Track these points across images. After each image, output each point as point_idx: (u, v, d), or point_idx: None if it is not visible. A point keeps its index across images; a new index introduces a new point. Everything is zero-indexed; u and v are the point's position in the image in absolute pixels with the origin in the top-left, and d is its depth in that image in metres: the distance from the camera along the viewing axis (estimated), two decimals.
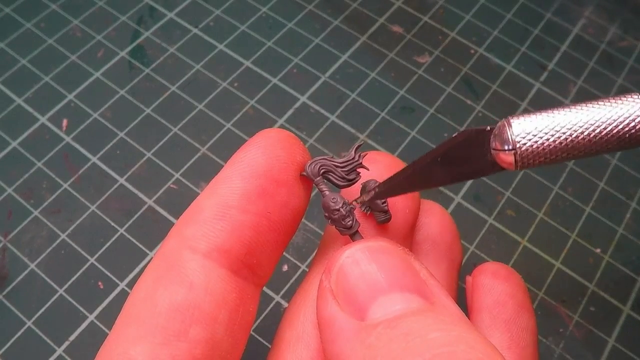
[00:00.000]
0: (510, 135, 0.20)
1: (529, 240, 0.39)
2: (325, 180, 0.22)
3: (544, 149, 0.20)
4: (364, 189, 0.23)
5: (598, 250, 0.38)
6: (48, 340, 0.34)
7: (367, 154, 0.23)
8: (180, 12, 0.47)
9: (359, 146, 0.22)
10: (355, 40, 0.46)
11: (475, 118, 0.43)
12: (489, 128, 0.20)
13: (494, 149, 0.20)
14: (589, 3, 0.49)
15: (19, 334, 0.34)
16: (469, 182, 0.40)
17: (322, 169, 0.22)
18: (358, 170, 0.22)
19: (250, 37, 0.46)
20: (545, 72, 0.45)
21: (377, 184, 0.22)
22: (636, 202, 0.40)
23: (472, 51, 0.46)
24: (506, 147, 0.20)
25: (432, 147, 0.41)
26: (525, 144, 0.20)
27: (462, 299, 0.27)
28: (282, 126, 0.42)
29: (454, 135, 0.21)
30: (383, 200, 0.22)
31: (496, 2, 0.49)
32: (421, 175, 0.21)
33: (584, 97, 0.44)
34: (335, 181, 0.22)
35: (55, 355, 0.34)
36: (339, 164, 0.22)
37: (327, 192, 0.22)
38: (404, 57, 0.46)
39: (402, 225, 0.24)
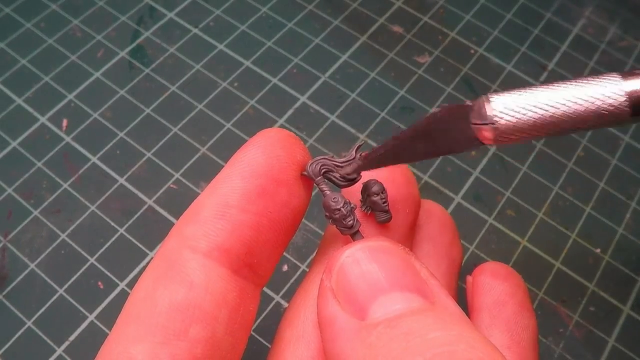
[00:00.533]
0: (489, 110, 0.20)
1: (529, 240, 0.39)
2: (326, 180, 0.22)
3: (522, 124, 0.20)
4: (364, 189, 0.23)
5: (598, 250, 0.38)
6: (48, 340, 0.34)
7: (367, 153, 0.23)
8: (180, 12, 0.47)
9: (359, 146, 0.22)
10: (355, 40, 0.46)
11: None
12: (469, 103, 0.21)
13: (473, 124, 0.21)
14: (589, 3, 0.49)
15: (19, 334, 0.34)
16: (469, 182, 0.40)
17: (323, 168, 0.22)
18: None
19: (250, 37, 0.46)
20: (545, 72, 0.45)
21: (378, 184, 0.22)
22: (636, 202, 0.40)
23: (472, 51, 0.46)
24: (485, 122, 0.20)
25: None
26: (503, 118, 0.20)
27: (463, 299, 0.27)
28: (282, 126, 0.42)
29: (434, 110, 0.21)
30: (384, 200, 0.22)
31: (496, 2, 0.49)
32: (404, 149, 0.21)
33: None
34: (336, 181, 0.22)
35: (55, 355, 0.34)
36: (339, 164, 0.22)
37: (328, 192, 0.22)
38: (404, 57, 0.46)
39: (402, 225, 0.24)
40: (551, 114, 0.20)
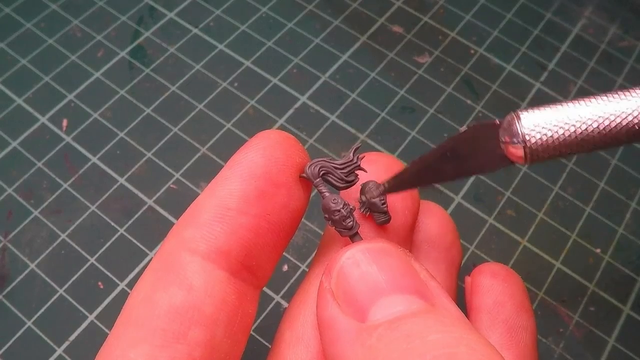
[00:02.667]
0: (520, 128, 0.20)
1: (529, 240, 0.39)
2: (324, 182, 0.22)
3: (553, 142, 0.20)
4: (363, 190, 0.23)
5: (598, 250, 0.38)
6: (48, 340, 0.34)
7: (365, 155, 0.23)
8: (180, 12, 0.47)
9: (357, 148, 0.22)
10: (355, 40, 0.46)
11: (475, 118, 0.43)
12: (497, 122, 0.20)
13: (503, 143, 0.20)
14: (589, 3, 0.49)
15: (19, 334, 0.34)
16: (469, 182, 0.40)
17: (322, 170, 0.22)
18: (356, 172, 0.22)
19: (250, 37, 0.46)
20: (545, 72, 0.45)
21: (376, 185, 0.22)
22: (636, 202, 0.40)
23: (472, 51, 0.46)
24: (515, 141, 0.20)
25: (433, 147, 0.41)
26: (534, 137, 0.20)
27: (462, 299, 0.27)
28: (282, 126, 0.42)
29: (462, 130, 0.20)
30: (383, 201, 0.22)
31: (496, 2, 0.49)
32: (430, 170, 0.21)
33: (585, 96, 0.44)
34: (335, 183, 0.22)
35: (55, 355, 0.34)
36: (337, 166, 0.22)
37: (327, 194, 0.22)
38: (404, 57, 0.46)
39: (401, 227, 0.24)
40: (582, 131, 0.20)
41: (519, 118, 0.20)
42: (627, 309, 0.37)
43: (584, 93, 0.44)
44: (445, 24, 0.48)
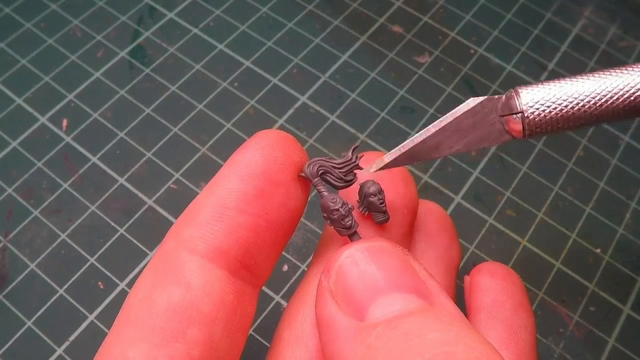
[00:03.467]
0: (519, 103, 0.20)
1: (529, 240, 0.39)
2: (323, 182, 0.22)
3: (552, 116, 0.20)
4: (361, 190, 0.23)
5: (598, 250, 0.38)
6: (48, 340, 0.34)
7: (363, 155, 0.23)
8: (180, 12, 0.47)
9: (356, 147, 0.22)
10: (355, 40, 0.46)
11: None
12: (497, 97, 0.21)
13: (501, 116, 0.21)
14: (589, 3, 0.49)
15: (19, 334, 0.34)
16: (469, 182, 0.40)
17: (320, 169, 0.22)
18: (355, 171, 0.22)
19: (250, 37, 0.46)
20: (545, 72, 0.45)
21: (375, 184, 0.22)
22: (636, 202, 0.40)
23: (472, 51, 0.46)
24: (514, 115, 0.20)
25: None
26: (533, 112, 0.20)
27: (461, 299, 0.27)
28: (282, 126, 0.42)
29: (462, 104, 0.21)
30: (381, 201, 0.22)
31: (496, 2, 0.49)
32: (431, 144, 0.21)
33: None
34: (333, 182, 0.22)
35: (55, 355, 0.34)
36: (336, 165, 0.22)
37: (325, 193, 0.22)
38: (404, 57, 0.46)
39: (400, 226, 0.24)
40: (580, 105, 0.20)
41: (518, 93, 0.21)
42: (627, 309, 0.37)
43: None
44: (445, 24, 0.48)
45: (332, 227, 0.22)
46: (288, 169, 0.21)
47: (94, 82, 0.43)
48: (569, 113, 0.20)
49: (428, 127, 0.21)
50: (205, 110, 0.42)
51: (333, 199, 0.21)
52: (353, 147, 0.22)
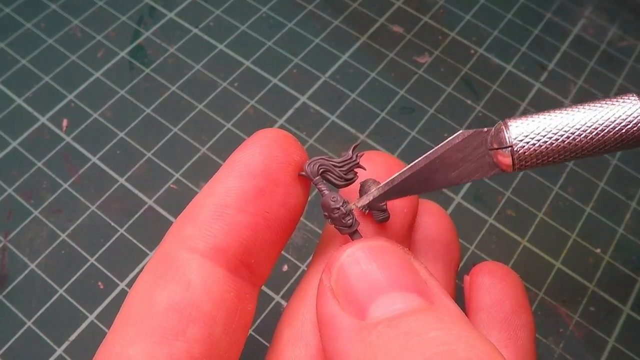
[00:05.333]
0: (508, 136, 0.20)
1: (529, 240, 0.39)
2: (323, 180, 0.22)
3: (541, 150, 0.20)
4: (362, 188, 0.23)
5: (598, 250, 0.38)
6: (48, 340, 0.34)
7: (364, 153, 0.23)
8: (180, 12, 0.47)
9: (356, 146, 0.22)
10: (355, 40, 0.46)
11: (475, 118, 0.43)
12: (486, 129, 0.21)
13: (491, 150, 0.20)
14: (589, 3, 0.49)
15: (19, 334, 0.34)
16: (469, 182, 0.40)
17: (321, 168, 0.22)
18: (355, 170, 0.22)
19: (250, 37, 0.46)
20: (545, 72, 0.45)
21: (375, 183, 0.22)
22: (636, 202, 0.40)
23: (472, 51, 0.46)
24: (503, 149, 0.20)
25: (432, 147, 0.41)
26: (522, 146, 0.20)
27: (461, 298, 0.27)
28: (282, 126, 0.42)
29: (451, 137, 0.21)
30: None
31: (496, 2, 0.49)
32: (420, 178, 0.21)
33: (584, 97, 0.44)
34: (334, 181, 0.22)
35: (55, 355, 0.34)
36: (337, 164, 0.22)
37: (326, 192, 0.22)
38: (404, 57, 0.46)
39: (400, 225, 0.24)
40: (570, 138, 0.20)
41: (507, 126, 0.20)
42: (627, 309, 0.37)
43: (583, 93, 0.44)
44: (445, 24, 0.48)
45: (333, 225, 0.22)
46: (288, 167, 0.21)
47: (94, 82, 0.43)
48: (559, 147, 0.20)
49: (416, 161, 0.21)
50: (205, 110, 0.42)
51: (334, 197, 0.21)
52: (353, 146, 0.22)
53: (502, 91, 0.44)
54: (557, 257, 0.38)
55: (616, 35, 0.47)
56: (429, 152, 0.21)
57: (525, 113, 0.21)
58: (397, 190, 0.21)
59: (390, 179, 0.21)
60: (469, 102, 0.44)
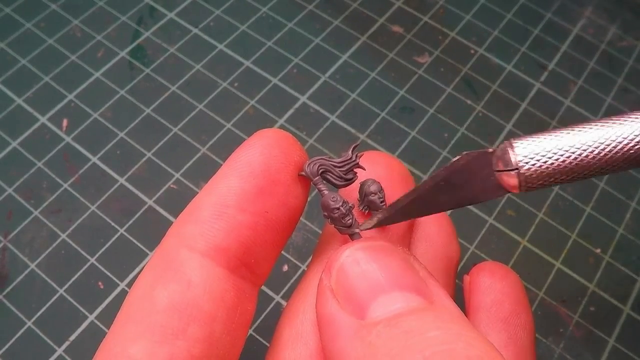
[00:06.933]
0: (514, 158, 0.20)
1: (529, 240, 0.39)
2: (323, 180, 0.22)
3: (548, 171, 0.19)
4: (362, 188, 0.23)
5: (598, 250, 0.38)
6: (48, 340, 0.34)
7: (363, 153, 0.23)
8: (180, 12, 0.47)
9: (356, 146, 0.22)
10: (355, 40, 0.46)
11: (475, 118, 0.43)
12: (491, 150, 0.20)
13: (496, 171, 0.20)
14: (589, 3, 0.49)
15: (19, 334, 0.34)
16: None
17: (321, 168, 0.22)
18: (355, 170, 0.22)
19: (250, 37, 0.46)
20: (545, 72, 0.45)
21: (375, 183, 0.22)
22: (636, 202, 0.40)
23: (472, 51, 0.46)
24: (509, 170, 0.20)
25: (432, 147, 0.41)
26: (529, 168, 0.19)
27: (460, 298, 0.27)
28: (282, 126, 0.42)
29: (455, 159, 0.20)
30: (381, 200, 0.22)
31: (496, 2, 0.49)
32: (425, 201, 0.21)
33: (584, 97, 0.44)
34: (334, 181, 0.22)
35: (55, 355, 0.34)
36: (336, 164, 0.22)
37: (326, 192, 0.22)
38: (404, 57, 0.46)
39: (400, 224, 0.24)
40: (577, 158, 0.19)
41: (512, 147, 0.20)
42: (627, 309, 0.37)
43: (583, 93, 0.44)
44: (445, 24, 0.48)
45: (333, 225, 0.22)
46: (288, 167, 0.21)
47: (94, 82, 0.43)
48: (567, 168, 0.19)
49: (420, 183, 0.21)
50: (205, 110, 0.42)
51: (334, 197, 0.21)
52: (353, 146, 0.22)
53: (502, 91, 0.44)
54: (557, 257, 0.38)
55: (616, 35, 0.47)
56: (433, 175, 0.21)
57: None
58: (402, 212, 0.21)
59: (395, 201, 0.21)
60: (469, 102, 0.44)
